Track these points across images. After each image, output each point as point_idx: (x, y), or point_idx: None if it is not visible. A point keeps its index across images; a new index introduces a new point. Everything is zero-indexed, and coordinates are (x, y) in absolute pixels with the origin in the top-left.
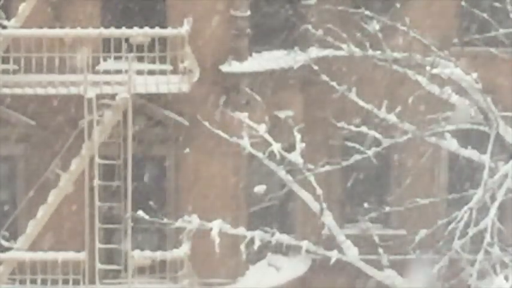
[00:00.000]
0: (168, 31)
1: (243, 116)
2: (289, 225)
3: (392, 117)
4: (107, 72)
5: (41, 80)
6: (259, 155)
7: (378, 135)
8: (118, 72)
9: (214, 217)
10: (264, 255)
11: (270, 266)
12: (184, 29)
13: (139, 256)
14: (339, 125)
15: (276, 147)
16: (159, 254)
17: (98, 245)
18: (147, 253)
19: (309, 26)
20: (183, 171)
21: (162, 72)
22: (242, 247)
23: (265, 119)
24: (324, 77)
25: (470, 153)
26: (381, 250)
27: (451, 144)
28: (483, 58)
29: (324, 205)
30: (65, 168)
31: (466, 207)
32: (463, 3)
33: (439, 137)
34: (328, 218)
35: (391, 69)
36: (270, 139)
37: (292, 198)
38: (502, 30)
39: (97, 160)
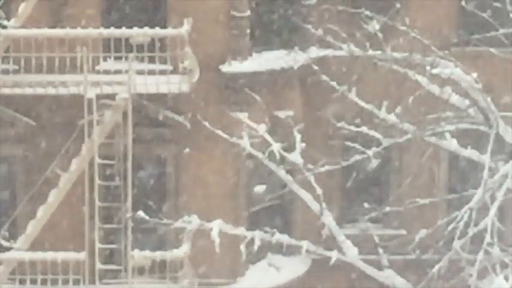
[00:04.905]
0: (168, 31)
1: (243, 116)
2: (289, 225)
3: (392, 117)
4: (107, 72)
5: (41, 80)
6: (259, 155)
7: (378, 135)
8: (118, 72)
9: (214, 217)
10: (264, 255)
11: (270, 266)
12: (184, 29)
13: (139, 256)
14: (339, 125)
15: (276, 147)
16: (159, 254)
17: (98, 245)
18: (147, 253)
19: (309, 26)
20: (183, 171)
21: (162, 72)
22: (242, 247)
23: (265, 119)
24: (324, 77)
25: (470, 153)
26: (381, 250)
27: (451, 144)
28: (483, 58)
29: (324, 205)
30: (65, 168)
31: (466, 207)
32: (463, 3)
33: (439, 137)
34: (328, 218)
35: (391, 69)
36: (270, 139)
37: (292, 198)
38: (502, 30)
39: (97, 160)
